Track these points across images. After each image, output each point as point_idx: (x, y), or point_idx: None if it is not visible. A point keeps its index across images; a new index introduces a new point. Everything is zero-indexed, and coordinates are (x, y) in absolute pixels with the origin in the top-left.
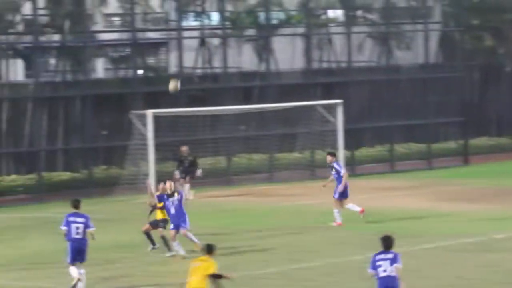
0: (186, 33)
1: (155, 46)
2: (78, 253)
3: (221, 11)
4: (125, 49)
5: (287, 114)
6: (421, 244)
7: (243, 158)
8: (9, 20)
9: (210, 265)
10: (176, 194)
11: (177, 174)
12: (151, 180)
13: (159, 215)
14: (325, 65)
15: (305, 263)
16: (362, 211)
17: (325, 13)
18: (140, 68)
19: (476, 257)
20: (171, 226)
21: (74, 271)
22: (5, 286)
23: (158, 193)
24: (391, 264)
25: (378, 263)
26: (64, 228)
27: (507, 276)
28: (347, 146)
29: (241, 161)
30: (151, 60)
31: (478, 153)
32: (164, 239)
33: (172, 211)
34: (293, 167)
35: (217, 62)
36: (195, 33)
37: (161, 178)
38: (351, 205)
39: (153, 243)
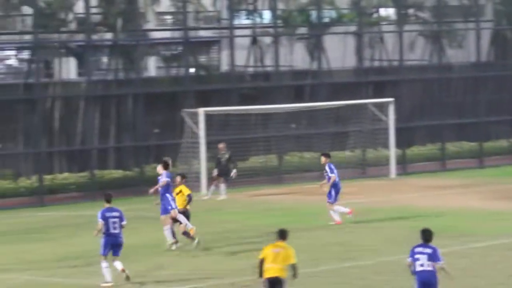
0: (237, 32)
1: (207, 44)
2: (114, 247)
3: (273, 9)
4: (177, 48)
5: (338, 113)
6: (472, 243)
7: (294, 156)
8: (61, 18)
9: (291, 254)
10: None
11: (215, 172)
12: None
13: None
14: (376, 63)
15: (356, 261)
16: (350, 212)
17: (377, 12)
18: (192, 67)
19: None
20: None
21: (118, 265)
22: (54, 284)
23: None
24: (429, 259)
25: (417, 256)
26: (101, 222)
27: None
28: (399, 145)
29: (293, 159)
30: (202, 59)
31: None
32: (186, 234)
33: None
34: (344, 166)
35: (268, 61)
36: (247, 32)
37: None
38: (338, 207)
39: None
